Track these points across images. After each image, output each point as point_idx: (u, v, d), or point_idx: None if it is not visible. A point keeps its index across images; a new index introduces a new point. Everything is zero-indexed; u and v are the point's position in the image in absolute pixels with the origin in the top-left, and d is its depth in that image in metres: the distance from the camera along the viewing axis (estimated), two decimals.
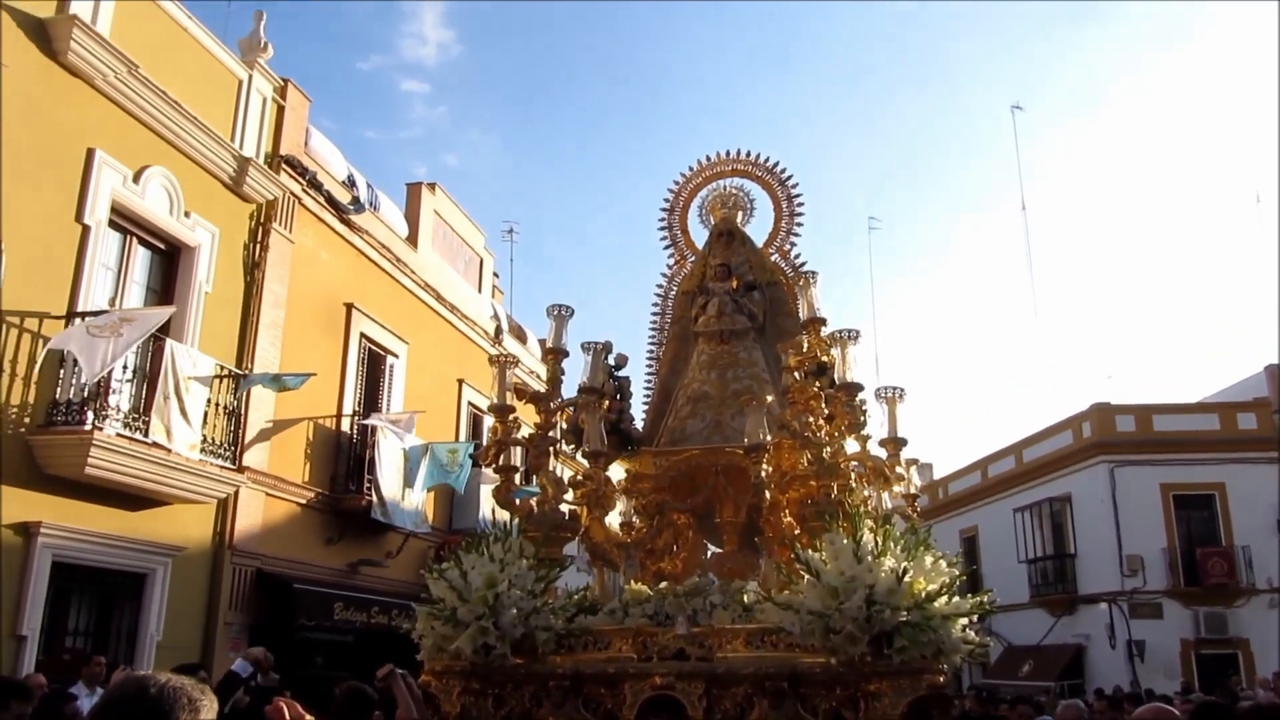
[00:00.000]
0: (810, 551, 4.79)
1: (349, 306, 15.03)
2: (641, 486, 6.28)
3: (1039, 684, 24.23)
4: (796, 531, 5.38)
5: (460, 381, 18.38)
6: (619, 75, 69.00)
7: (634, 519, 6.44)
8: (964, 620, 4.72)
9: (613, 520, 6.36)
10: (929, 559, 4.70)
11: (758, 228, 7.40)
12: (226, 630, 11.94)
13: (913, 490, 6.39)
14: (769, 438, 5.57)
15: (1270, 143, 53.90)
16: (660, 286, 7.41)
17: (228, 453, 11.68)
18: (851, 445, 5.64)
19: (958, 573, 4.75)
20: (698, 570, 6.17)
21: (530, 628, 4.96)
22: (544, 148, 70.99)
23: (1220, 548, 23.47)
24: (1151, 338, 64.32)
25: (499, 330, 20.18)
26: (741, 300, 6.91)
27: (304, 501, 13.75)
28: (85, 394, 9.92)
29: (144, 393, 10.76)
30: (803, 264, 7.02)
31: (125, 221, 11.12)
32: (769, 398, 5.96)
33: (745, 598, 5.25)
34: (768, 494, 5.54)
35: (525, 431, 5.91)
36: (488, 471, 15.17)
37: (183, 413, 10.71)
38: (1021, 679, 25.01)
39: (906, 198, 68.71)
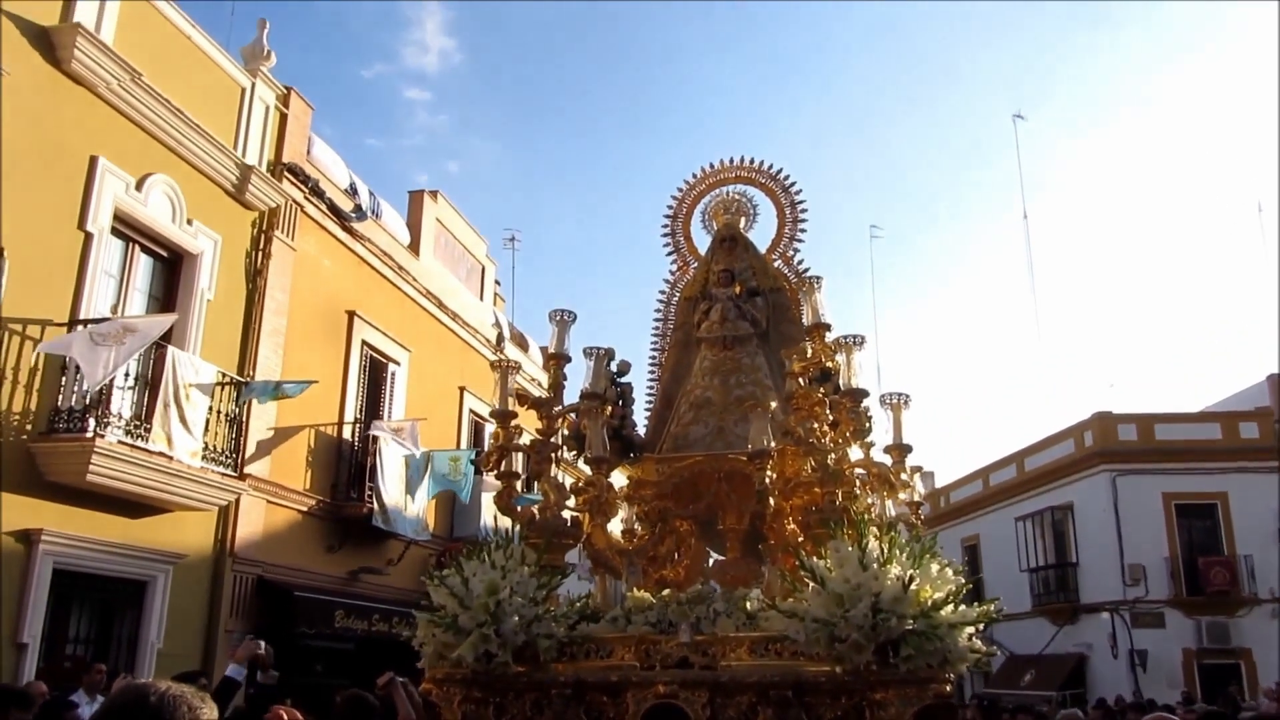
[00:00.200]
0: (815, 559, 4.76)
1: (351, 314, 15.03)
2: (644, 493, 6.26)
3: (1041, 694, 24.15)
4: (800, 539, 5.35)
5: (462, 389, 18.37)
6: (621, 83, 69.15)
7: (636, 526, 6.41)
8: (970, 629, 4.69)
9: (615, 527, 6.33)
10: (935, 567, 4.68)
11: (761, 234, 7.39)
12: (228, 638, 11.90)
13: (917, 498, 6.34)
14: (772, 444, 5.54)
15: (1272, 151, 53.95)
16: (663, 292, 7.39)
17: (229, 460, 11.66)
18: (856, 452, 5.61)
19: (964, 580, 4.72)
20: (700, 578, 6.13)
21: (532, 635, 4.93)
22: (546, 155, 71.14)
23: (1222, 557, 23.42)
24: (1153, 347, 64.34)
25: (500, 338, 20.18)
26: (745, 306, 6.88)
27: (305, 509, 13.73)
28: (87, 401, 9.91)
29: (145, 400, 10.75)
30: (806, 270, 7.00)
31: (128, 229, 11.13)
32: (772, 404, 5.92)
33: (749, 605, 5.21)
34: (771, 501, 5.51)
35: (527, 438, 5.89)
36: (489, 479, 15.15)
37: (183, 420, 10.70)
38: (1023, 688, 24.92)
39: (908, 207, 68.79)
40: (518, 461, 5.98)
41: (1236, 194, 59.27)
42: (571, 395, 6.07)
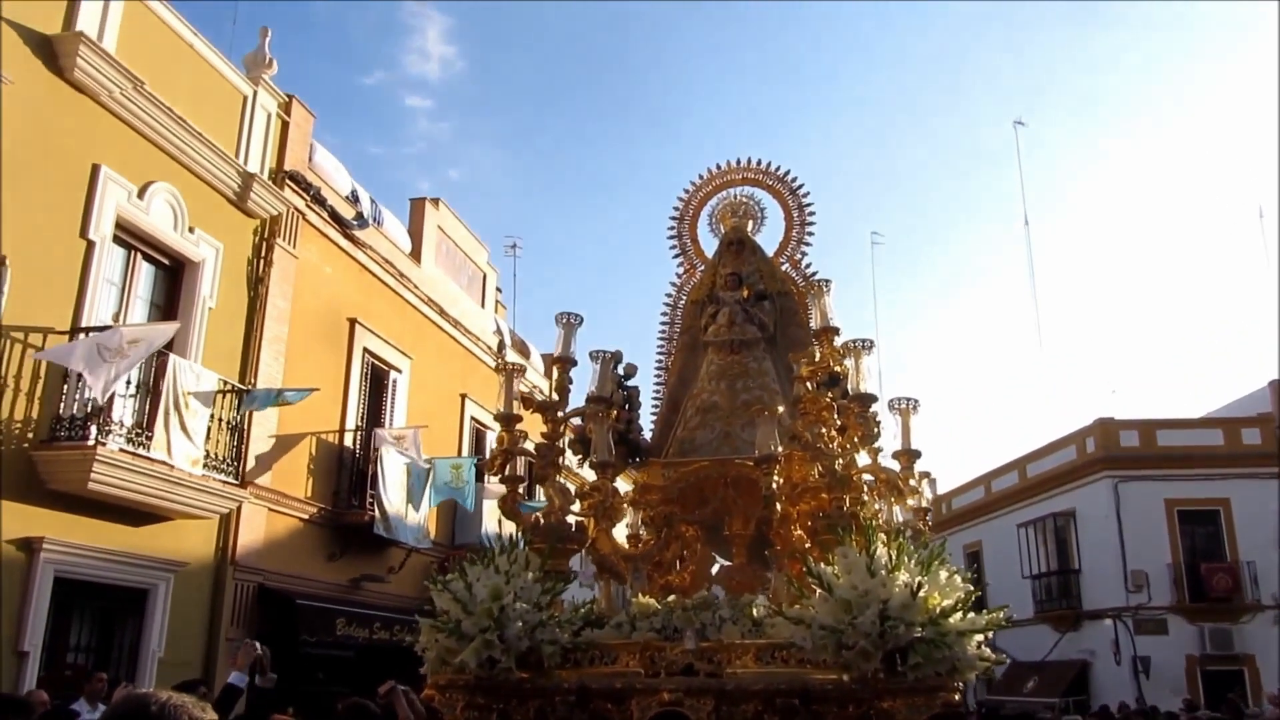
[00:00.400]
0: (822, 565, 4.72)
1: (352, 322, 15.03)
2: (649, 498, 6.21)
3: (1044, 700, 24.11)
4: (808, 545, 5.31)
5: (463, 396, 18.36)
6: (622, 90, 69.26)
7: (641, 531, 6.37)
8: (979, 636, 4.65)
9: (620, 532, 6.30)
10: (943, 573, 4.64)
11: (768, 237, 7.36)
12: (229, 646, 11.88)
13: (925, 504, 6.29)
14: (780, 449, 5.50)
15: (1273, 157, 54.00)
16: (669, 296, 7.35)
17: (230, 468, 11.64)
18: (864, 457, 5.57)
19: (972, 588, 4.69)
20: (706, 584, 6.09)
21: (536, 641, 4.88)
22: (547, 162, 71.24)
23: (1225, 563, 23.40)
24: (1155, 353, 64.34)
25: (502, 345, 20.17)
26: (752, 310, 6.83)
27: (306, 517, 13.71)
28: (89, 409, 9.90)
29: (147, 408, 10.73)
30: (814, 273, 6.95)
31: (129, 237, 11.12)
32: (780, 408, 5.88)
33: (755, 612, 5.17)
34: (778, 506, 5.47)
35: (532, 444, 5.85)
36: (491, 486, 15.14)
37: (184, 428, 10.68)
38: (1026, 695, 24.90)
39: (909, 213, 68.84)
40: (522, 466, 5.94)
41: (1237, 200, 59.32)
42: (577, 399, 6.04)
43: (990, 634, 4.81)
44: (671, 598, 5.57)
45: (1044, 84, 62.85)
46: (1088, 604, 24.81)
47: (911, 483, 5.76)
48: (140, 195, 11.04)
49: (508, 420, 5.69)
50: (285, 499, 13.17)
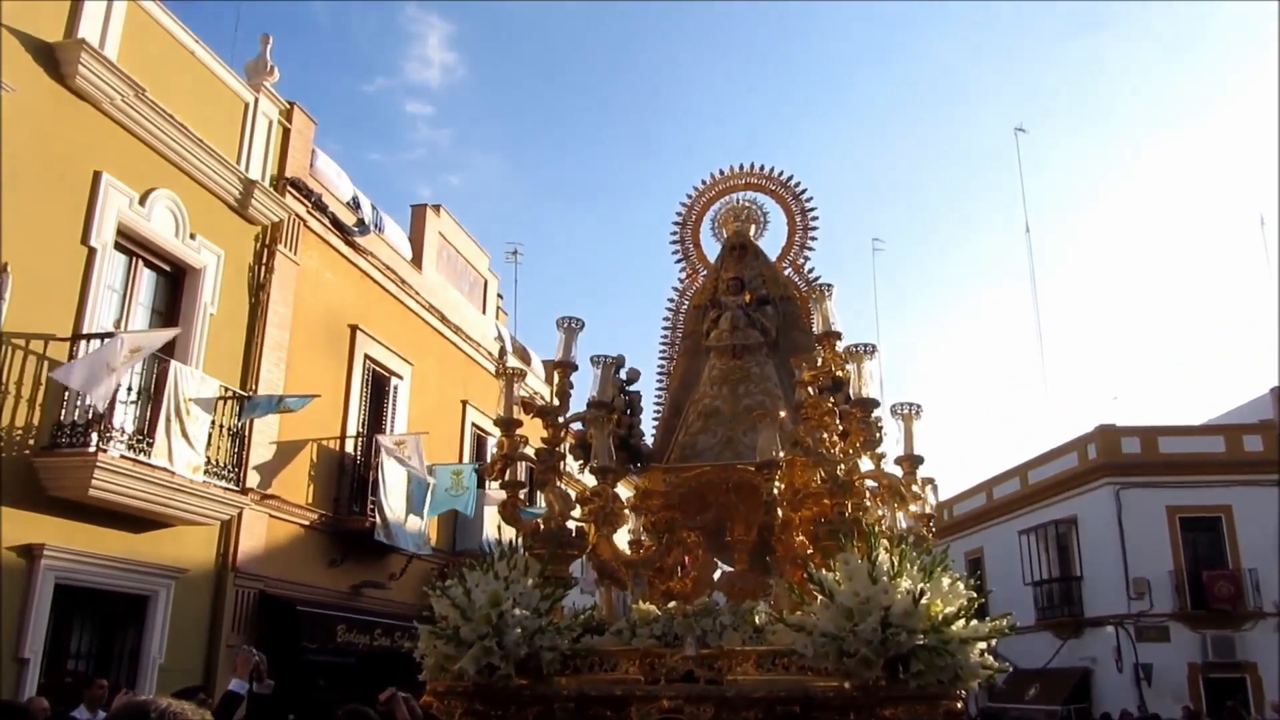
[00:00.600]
0: (824, 571, 4.69)
1: (353, 328, 15.03)
2: (651, 504, 6.16)
3: (1046, 708, 24.10)
4: (809, 551, 5.28)
5: (464, 403, 18.37)
6: (623, 96, 69.34)
7: (643, 537, 6.34)
8: (982, 644, 4.59)
9: (622, 538, 6.27)
10: (946, 580, 4.60)
11: (771, 242, 7.34)
12: (229, 653, 11.86)
13: (928, 510, 6.26)
14: (781, 454, 5.47)
15: (1273, 164, 54.02)
16: (671, 300, 7.33)
17: (231, 474, 11.64)
18: (866, 463, 5.54)
19: (975, 594, 4.66)
20: (708, 590, 6.04)
21: (535, 647, 4.83)
22: (548, 168, 71.31)
23: (1227, 570, 23.35)
24: (1157, 360, 64.31)
25: (503, 351, 20.18)
26: (754, 314, 6.79)
27: (307, 523, 13.70)
28: (90, 416, 9.89)
29: (148, 414, 10.73)
30: (816, 278, 6.90)
31: (131, 244, 11.13)
32: (781, 413, 5.85)
33: (756, 618, 5.11)
34: (780, 512, 5.41)
35: (533, 449, 5.83)
36: (491, 493, 15.14)
37: (185, 434, 10.68)
38: (1028, 702, 24.86)
39: (910, 219, 68.88)
40: (523, 472, 5.92)
41: (1238, 208, 59.35)
42: (578, 404, 6.02)
43: (993, 641, 4.77)
44: (672, 604, 5.53)
45: (1045, 91, 62.95)
46: (1089, 611, 24.76)
47: (914, 488, 5.72)
48: (141, 202, 11.06)
49: (508, 425, 5.66)
50: (286, 505, 13.17)
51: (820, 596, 4.57)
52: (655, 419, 6.94)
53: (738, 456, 6.13)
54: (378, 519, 14.24)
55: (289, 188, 13.60)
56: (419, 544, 15.12)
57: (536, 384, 19.49)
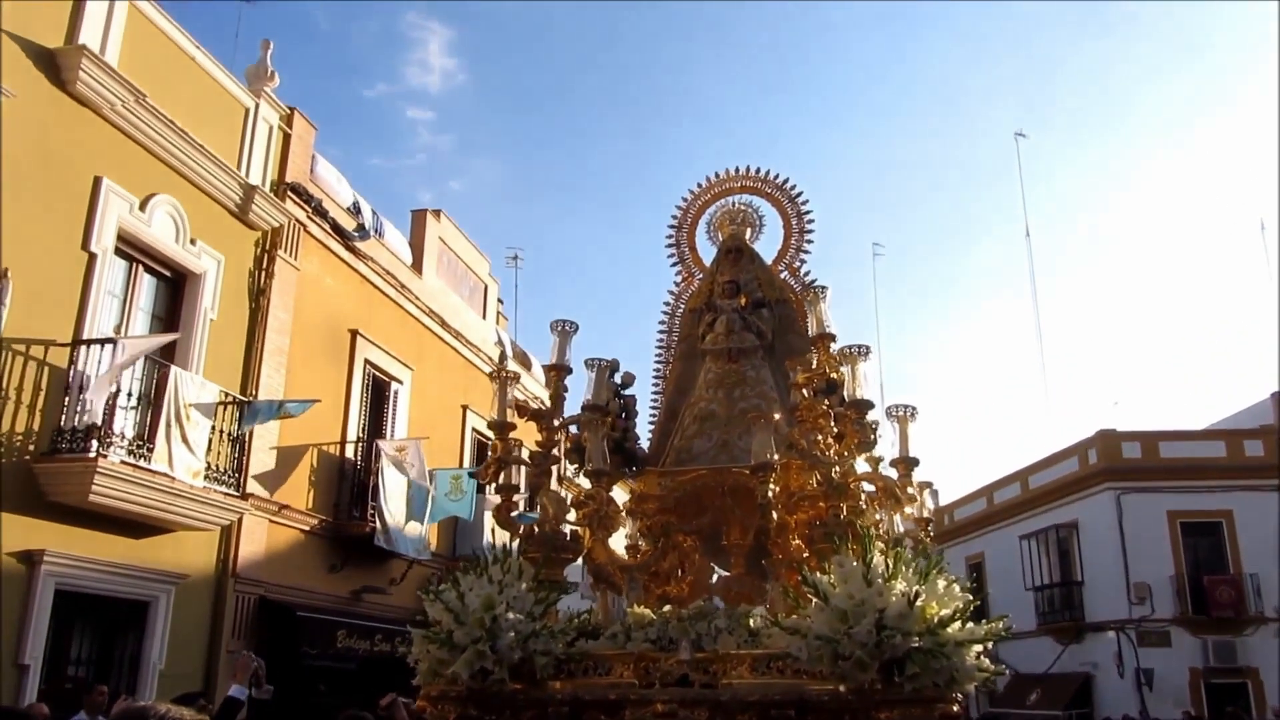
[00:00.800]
0: (818, 574, 4.69)
1: (354, 333, 15.05)
2: (646, 507, 6.17)
3: (1047, 713, 24.06)
4: (805, 554, 5.28)
5: (464, 408, 18.37)
6: (624, 101, 69.41)
7: (639, 541, 6.34)
8: (978, 647, 4.59)
9: (619, 543, 6.27)
10: (941, 583, 4.59)
11: (767, 245, 7.34)
12: (229, 659, 11.86)
13: (925, 514, 6.25)
14: (776, 457, 5.45)
15: (1274, 169, 54.02)
16: (668, 304, 7.33)
17: (231, 480, 11.64)
18: (862, 465, 5.53)
19: (971, 597, 4.65)
20: (705, 594, 6.03)
21: (529, 652, 4.82)
22: (548, 173, 71.36)
23: (1228, 575, 23.32)
24: (1158, 365, 64.25)
25: (503, 356, 20.18)
26: (750, 318, 6.79)
27: (307, 528, 13.70)
28: (90, 421, 9.90)
29: (148, 420, 10.74)
30: (812, 281, 6.89)
31: (131, 249, 11.15)
32: (776, 416, 5.84)
33: (751, 622, 5.12)
34: (775, 515, 5.41)
35: (529, 453, 5.83)
36: (492, 497, 15.12)
37: (185, 440, 10.68)
38: (1029, 708, 24.82)
39: (910, 224, 68.88)
40: (517, 474, 5.92)
41: (1239, 212, 59.33)
42: (573, 408, 6.02)
43: (990, 644, 4.76)
44: (667, 608, 5.52)
45: (1045, 96, 62.97)
46: (1090, 616, 24.73)
47: (910, 490, 5.71)
48: (142, 207, 11.07)
49: (501, 428, 5.66)
50: (286, 510, 13.17)
51: (815, 599, 4.57)
52: (651, 423, 6.94)
53: (733, 460, 6.12)
54: (378, 524, 14.24)
55: (289, 193, 13.62)
56: (419, 549, 15.12)
57: (536, 389, 19.49)
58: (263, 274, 13.10)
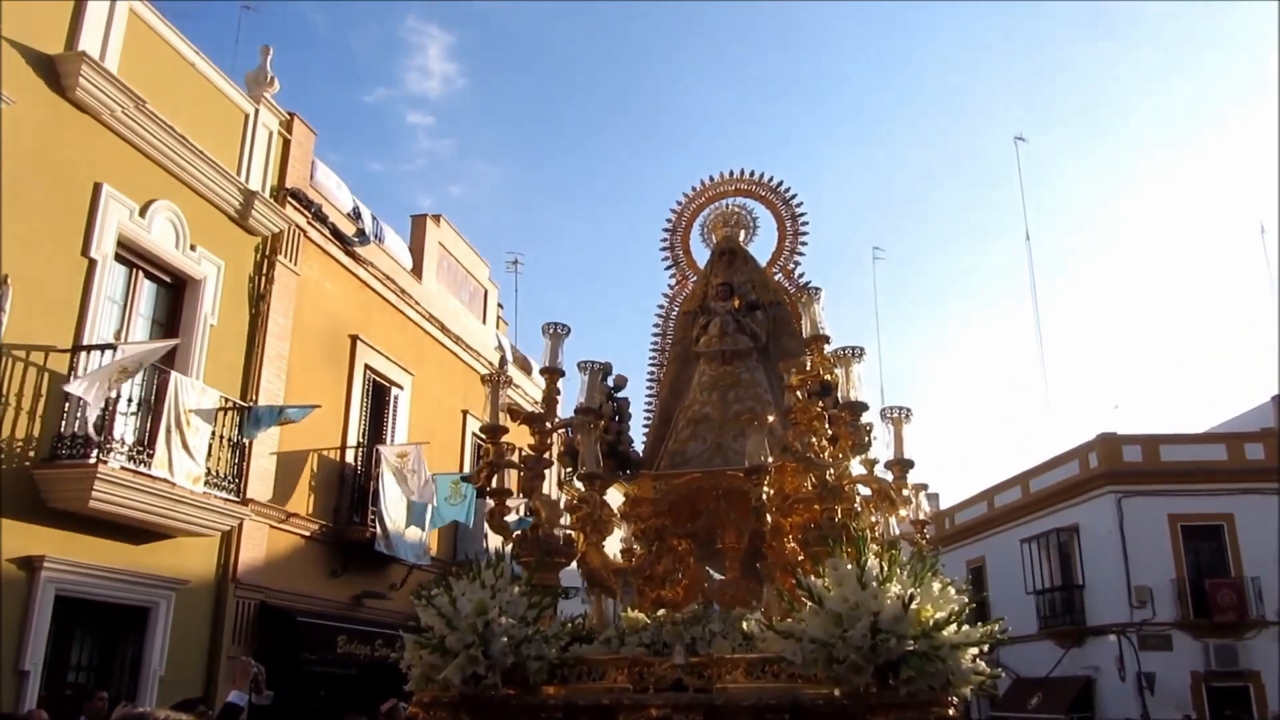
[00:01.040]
0: (813, 577, 4.67)
1: (354, 338, 15.06)
2: (640, 511, 6.14)
3: (1048, 717, 24.02)
4: (800, 557, 5.26)
5: (465, 413, 18.38)
6: (624, 106, 69.48)
7: (634, 545, 6.32)
8: (974, 650, 4.57)
9: (614, 546, 6.26)
10: (937, 585, 4.57)
11: (761, 247, 7.33)
12: (230, 664, 11.86)
13: (921, 516, 6.23)
14: (770, 459, 5.45)
15: (1274, 173, 54.03)
16: (662, 306, 7.32)
17: (232, 485, 11.65)
18: (857, 468, 5.52)
19: (967, 600, 4.62)
20: (699, 598, 6.02)
21: (522, 657, 4.81)
22: (548, 178, 71.41)
23: (1229, 579, 23.28)
24: (1158, 368, 64.22)
25: (503, 361, 20.20)
26: (744, 320, 6.78)
27: (308, 534, 13.71)
28: (90, 427, 9.91)
29: (148, 425, 10.75)
30: (807, 283, 6.88)
31: (131, 255, 11.17)
32: (770, 418, 5.83)
33: (746, 626, 5.10)
34: (769, 518, 5.40)
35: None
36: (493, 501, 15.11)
37: (185, 445, 10.69)
38: (1030, 712, 24.78)
39: (911, 228, 68.89)
40: (511, 479, 5.91)
41: (1239, 216, 59.33)
42: (568, 411, 6.01)
43: (987, 648, 4.74)
44: (661, 612, 5.50)
45: (1045, 100, 63.01)
46: (1092, 620, 24.69)
47: (905, 493, 5.69)
48: (142, 213, 11.10)
49: (493, 431, 5.65)
50: (287, 516, 13.18)
51: (809, 603, 4.55)
52: (646, 426, 6.93)
53: (727, 463, 6.10)
54: (378, 529, 14.25)
55: (289, 198, 13.65)
56: (419, 554, 15.12)
57: (536, 393, 19.51)
58: (263, 279, 13.12)
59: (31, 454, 9.66)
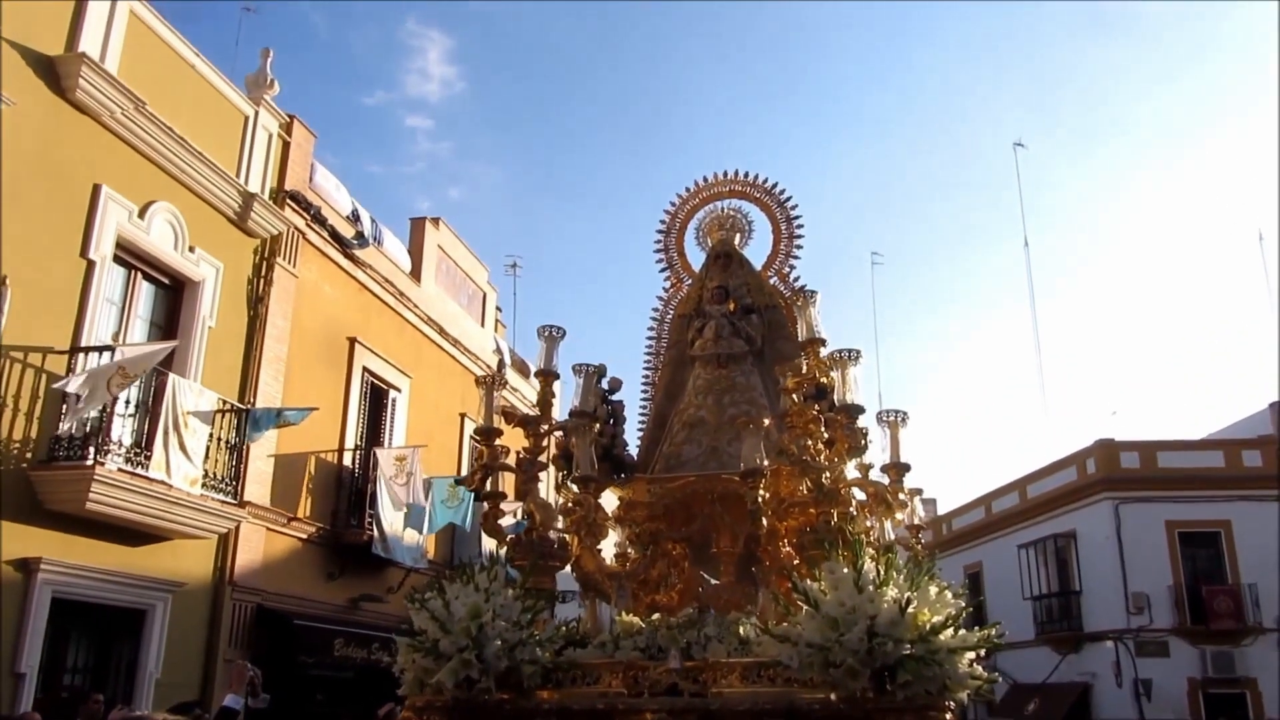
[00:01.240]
0: (809, 581, 4.66)
1: (352, 341, 15.06)
2: (635, 515, 6.12)
3: None
4: (795, 561, 5.25)
5: (463, 415, 18.36)
6: (623, 109, 69.52)
7: (628, 549, 6.30)
8: (971, 655, 4.55)
9: (610, 550, 6.24)
10: (933, 589, 4.55)
11: (756, 250, 7.31)
12: (226, 667, 11.84)
13: (916, 520, 6.22)
14: (766, 463, 5.43)
15: (1273, 180, 54.09)
16: (657, 310, 7.31)
17: (229, 487, 11.63)
18: (853, 471, 5.50)
19: (964, 604, 4.60)
20: (694, 602, 5.98)
21: (516, 661, 4.78)
22: (548, 182, 71.42)
23: (1226, 586, 23.25)
24: (1156, 374, 64.24)
25: (501, 364, 20.18)
26: (739, 323, 6.76)
27: (305, 536, 13.69)
28: (87, 429, 9.91)
29: (146, 427, 10.74)
30: (802, 287, 6.86)
31: (130, 257, 11.17)
32: (766, 422, 5.80)
33: (741, 630, 5.08)
34: (765, 521, 5.38)
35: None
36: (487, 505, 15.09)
37: (183, 448, 10.68)
38: (1027, 717, 24.74)
39: (909, 233, 68.93)
40: (506, 482, 5.89)
41: (1238, 222, 59.38)
42: (563, 414, 6.00)
43: (983, 652, 4.72)
44: (656, 616, 5.47)
45: (1044, 106, 63.07)
46: (1089, 626, 24.66)
47: (901, 496, 5.67)
48: (141, 215, 11.10)
49: (487, 434, 5.64)
50: (284, 519, 13.16)
51: (805, 607, 4.53)
52: (641, 430, 6.91)
53: (723, 467, 6.08)
54: (375, 532, 14.23)
55: (288, 201, 13.65)
56: (416, 557, 15.10)
57: (534, 396, 19.48)
58: (261, 282, 13.12)
59: (29, 455, 9.65)
